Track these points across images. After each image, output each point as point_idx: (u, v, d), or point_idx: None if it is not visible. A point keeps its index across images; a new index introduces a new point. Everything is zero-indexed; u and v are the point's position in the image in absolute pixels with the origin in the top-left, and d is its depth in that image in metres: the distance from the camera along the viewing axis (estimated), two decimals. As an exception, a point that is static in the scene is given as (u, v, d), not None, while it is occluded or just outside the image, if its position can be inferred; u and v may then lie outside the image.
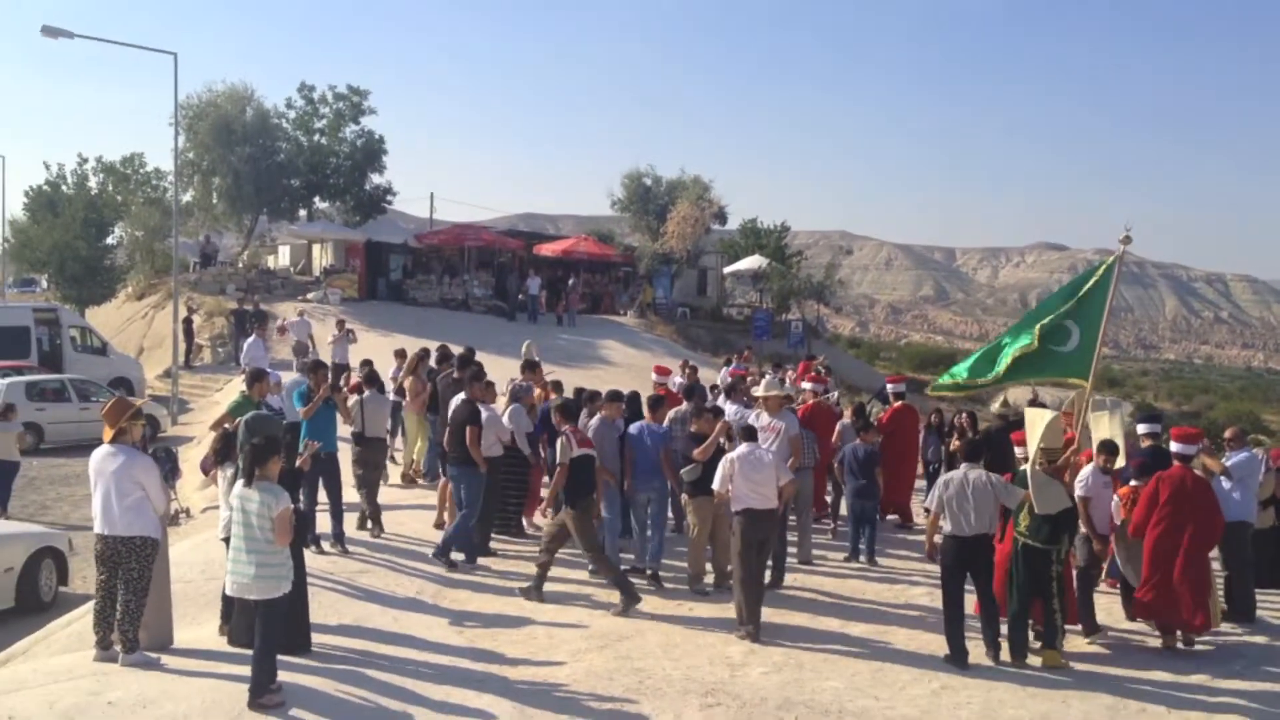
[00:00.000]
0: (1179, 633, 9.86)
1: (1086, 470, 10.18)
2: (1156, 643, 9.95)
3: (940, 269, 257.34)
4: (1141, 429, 11.88)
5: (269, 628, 7.40)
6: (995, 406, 19.23)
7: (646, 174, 46.10)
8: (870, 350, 78.12)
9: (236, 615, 8.29)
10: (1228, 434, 11.64)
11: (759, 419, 11.74)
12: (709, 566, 11.24)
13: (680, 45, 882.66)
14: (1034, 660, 9.15)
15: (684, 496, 11.23)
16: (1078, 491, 9.99)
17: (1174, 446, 10.10)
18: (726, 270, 47.70)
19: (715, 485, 10.00)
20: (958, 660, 8.97)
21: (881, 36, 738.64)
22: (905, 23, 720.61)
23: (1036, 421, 9.71)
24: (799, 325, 41.53)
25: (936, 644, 9.30)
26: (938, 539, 9.55)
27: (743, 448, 9.87)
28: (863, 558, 12.66)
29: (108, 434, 8.33)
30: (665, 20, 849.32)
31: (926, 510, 10.89)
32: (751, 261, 45.00)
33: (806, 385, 15.91)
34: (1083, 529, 10.04)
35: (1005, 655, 9.15)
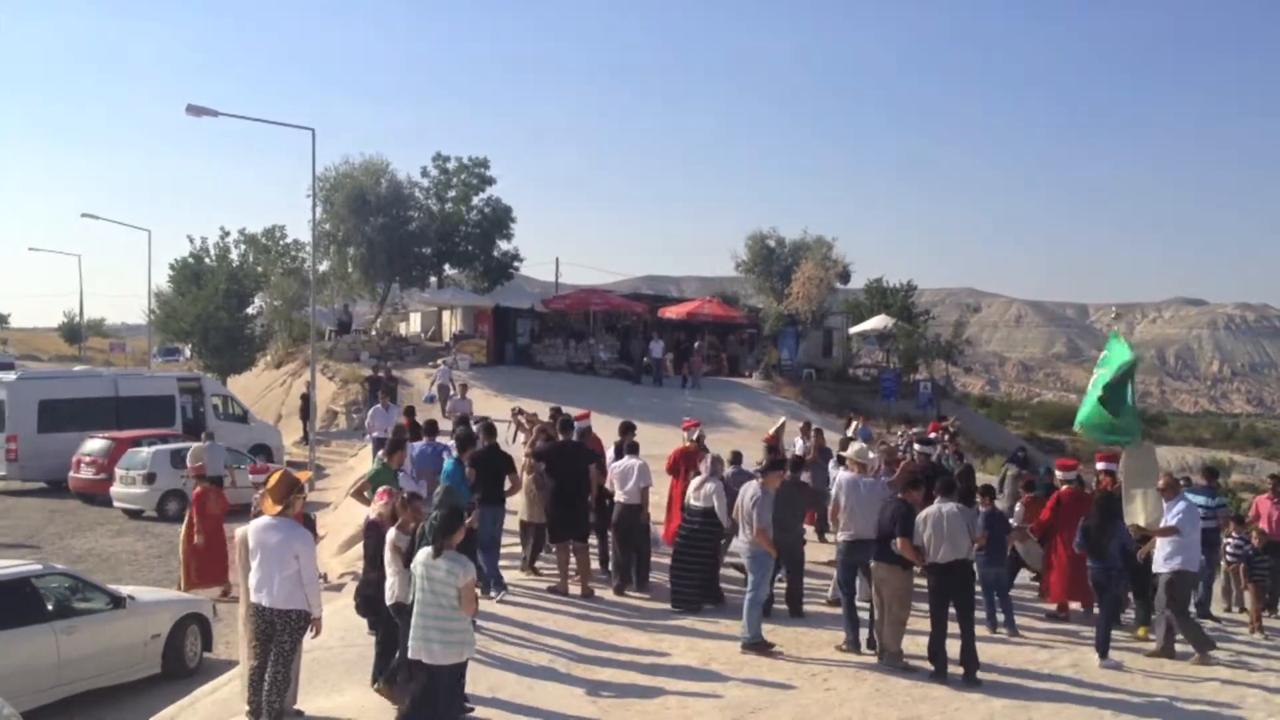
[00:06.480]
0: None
1: None
2: None
3: (1073, 325, 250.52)
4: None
5: (446, 690, 7.63)
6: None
7: (770, 235, 46.21)
8: (1001, 409, 76.30)
9: (403, 679, 8.22)
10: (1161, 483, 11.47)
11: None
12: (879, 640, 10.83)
13: (800, 103, 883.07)
14: None
15: (874, 564, 10.68)
16: None
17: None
18: (852, 331, 47.19)
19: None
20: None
21: (1006, 88, 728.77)
22: (1033, 73, 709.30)
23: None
24: (928, 385, 40.90)
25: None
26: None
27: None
28: (1003, 629, 12.24)
29: (271, 508, 8.40)
30: (785, 79, 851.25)
31: None
32: (877, 321, 44.43)
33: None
34: None
35: None
